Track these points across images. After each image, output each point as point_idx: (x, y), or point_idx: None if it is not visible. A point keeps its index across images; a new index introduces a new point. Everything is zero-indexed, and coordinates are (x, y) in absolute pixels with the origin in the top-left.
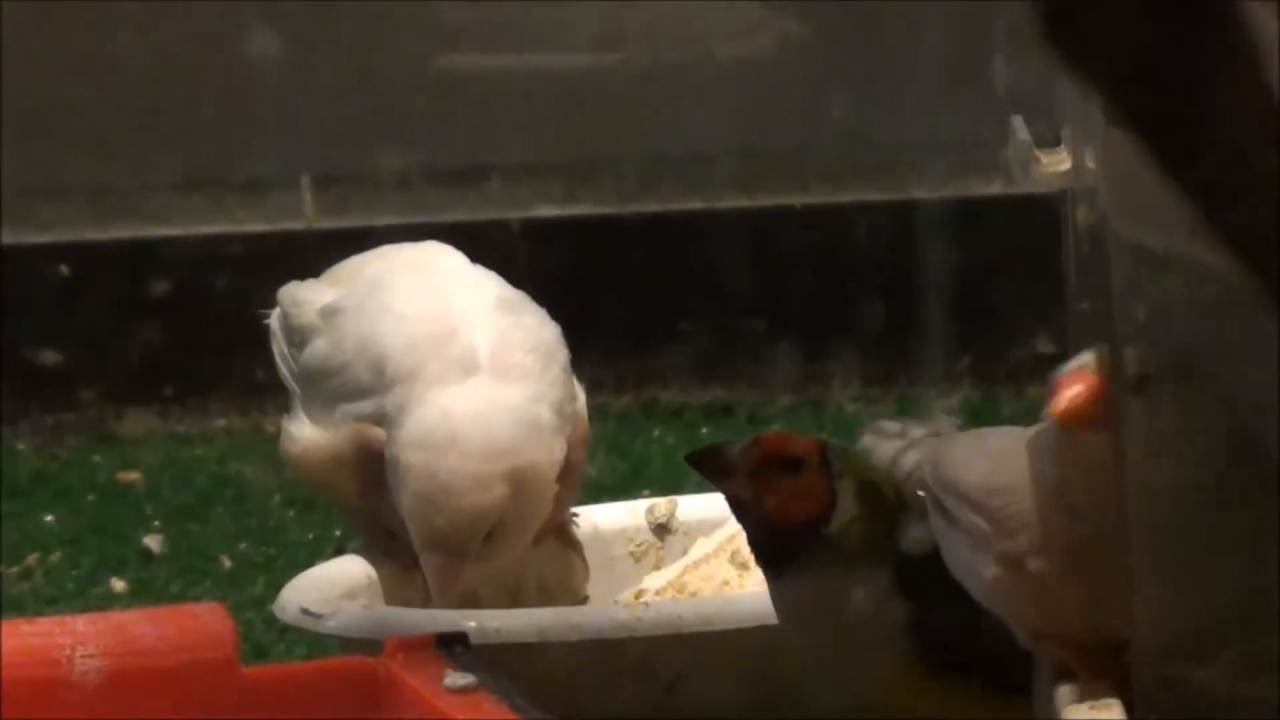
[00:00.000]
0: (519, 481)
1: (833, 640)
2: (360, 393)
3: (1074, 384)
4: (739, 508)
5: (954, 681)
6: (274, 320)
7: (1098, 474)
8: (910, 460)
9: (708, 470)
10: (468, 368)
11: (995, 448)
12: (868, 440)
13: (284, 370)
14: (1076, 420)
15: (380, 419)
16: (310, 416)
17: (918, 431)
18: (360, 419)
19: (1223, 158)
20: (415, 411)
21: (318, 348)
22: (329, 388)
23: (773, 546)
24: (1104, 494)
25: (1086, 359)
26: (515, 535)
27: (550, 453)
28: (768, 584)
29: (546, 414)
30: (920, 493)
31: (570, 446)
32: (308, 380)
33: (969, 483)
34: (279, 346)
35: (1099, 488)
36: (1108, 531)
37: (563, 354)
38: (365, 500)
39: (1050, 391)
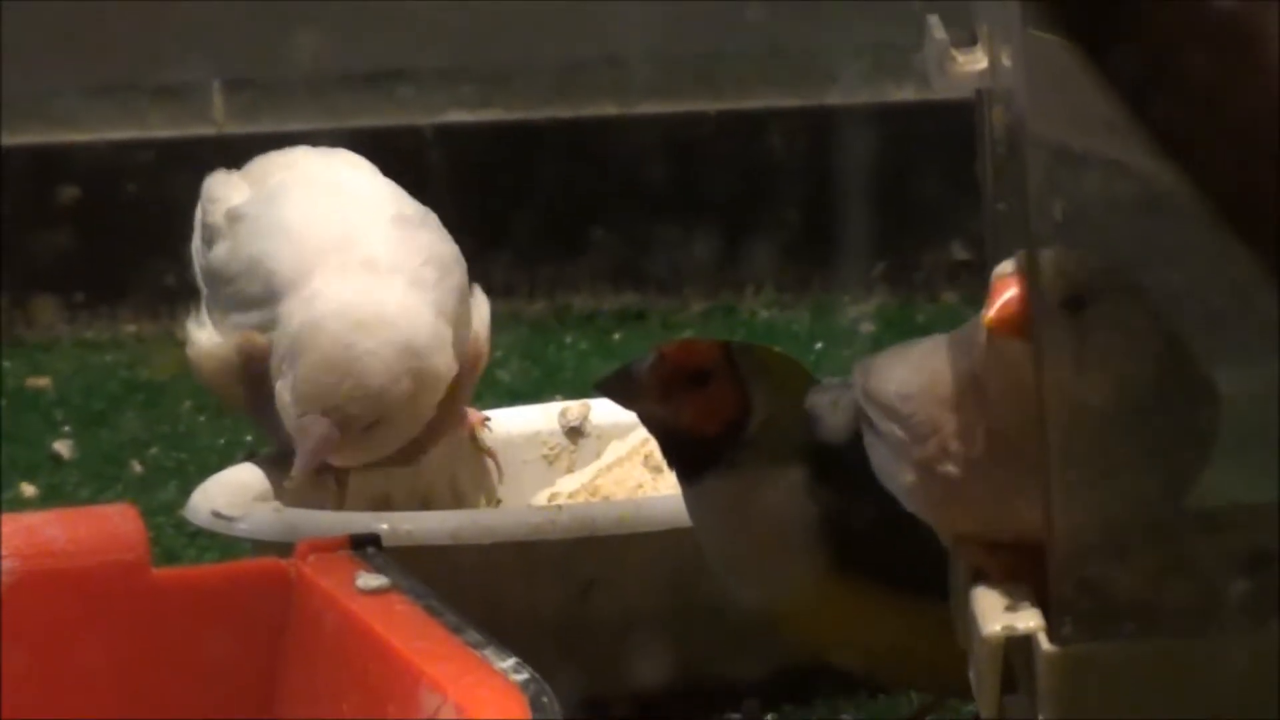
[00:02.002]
0: (418, 382)
1: (754, 543)
2: (249, 304)
3: (1001, 294)
4: (654, 426)
5: (869, 582)
6: (196, 212)
7: (1015, 371)
8: (846, 400)
9: (617, 394)
10: (360, 269)
11: (911, 356)
12: (812, 398)
13: (195, 264)
14: (1009, 328)
15: (268, 328)
16: (212, 319)
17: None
18: (247, 328)
19: (1144, 53)
20: (325, 293)
21: (219, 252)
22: (225, 295)
23: (693, 457)
24: (1021, 391)
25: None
26: (391, 435)
27: (448, 364)
28: (683, 493)
29: (444, 326)
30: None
31: (463, 361)
32: (210, 282)
33: (887, 391)
34: (195, 239)
35: (1016, 385)
36: (1023, 430)
37: (459, 271)
38: (251, 411)
39: (988, 295)
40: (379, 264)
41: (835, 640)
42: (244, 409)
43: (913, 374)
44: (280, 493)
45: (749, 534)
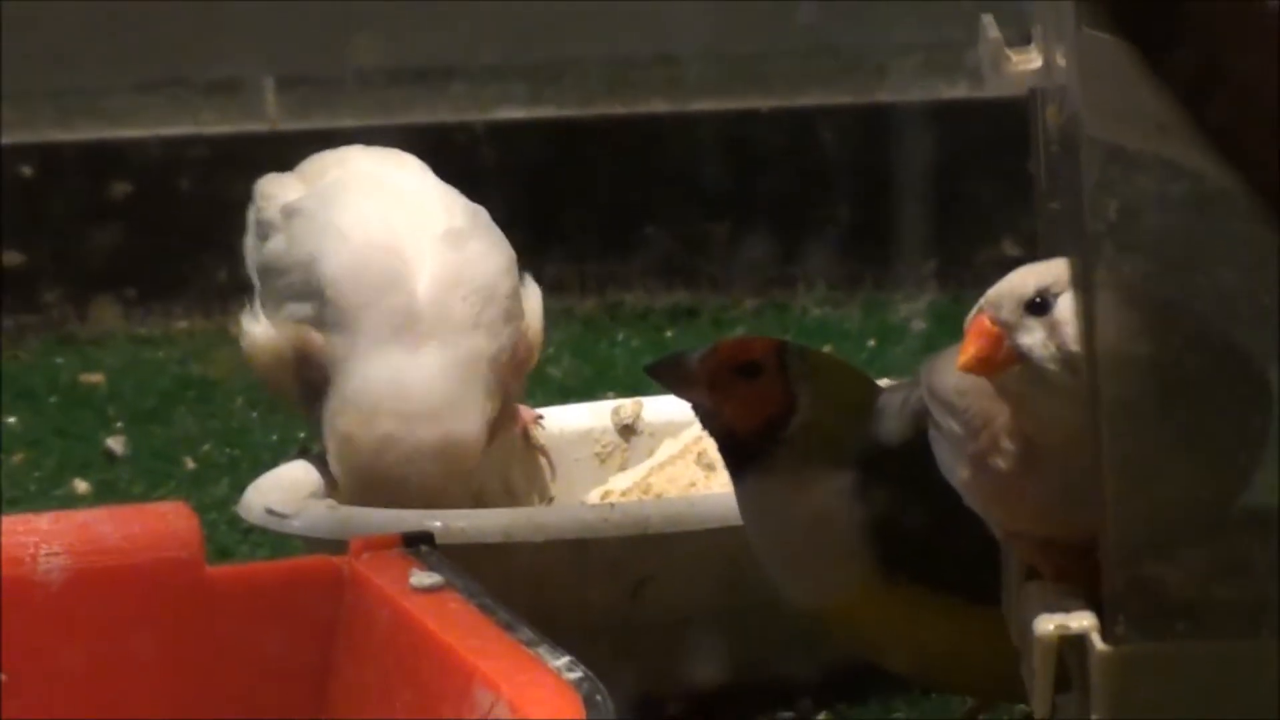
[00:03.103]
0: (450, 449)
1: (796, 544)
2: (302, 296)
3: (971, 338)
4: (702, 415)
5: (918, 585)
6: (250, 212)
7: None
8: (914, 399)
9: (668, 379)
10: (404, 319)
11: None
12: (883, 399)
13: (248, 260)
14: (979, 371)
15: (318, 323)
16: (265, 313)
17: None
18: (299, 320)
19: (1196, 54)
20: (355, 374)
21: (275, 245)
22: (279, 286)
23: (735, 451)
24: (1059, 395)
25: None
26: (441, 495)
27: (481, 418)
28: (734, 486)
29: (482, 369)
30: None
31: (518, 351)
32: (264, 275)
33: (946, 387)
34: (248, 237)
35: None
36: (1069, 432)
37: (508, 282)
38: (304, 407)
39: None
40: (418, 308)
41: (883, 642)
42: (296, 402)
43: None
44: (333, 489)
45: (790, 534)
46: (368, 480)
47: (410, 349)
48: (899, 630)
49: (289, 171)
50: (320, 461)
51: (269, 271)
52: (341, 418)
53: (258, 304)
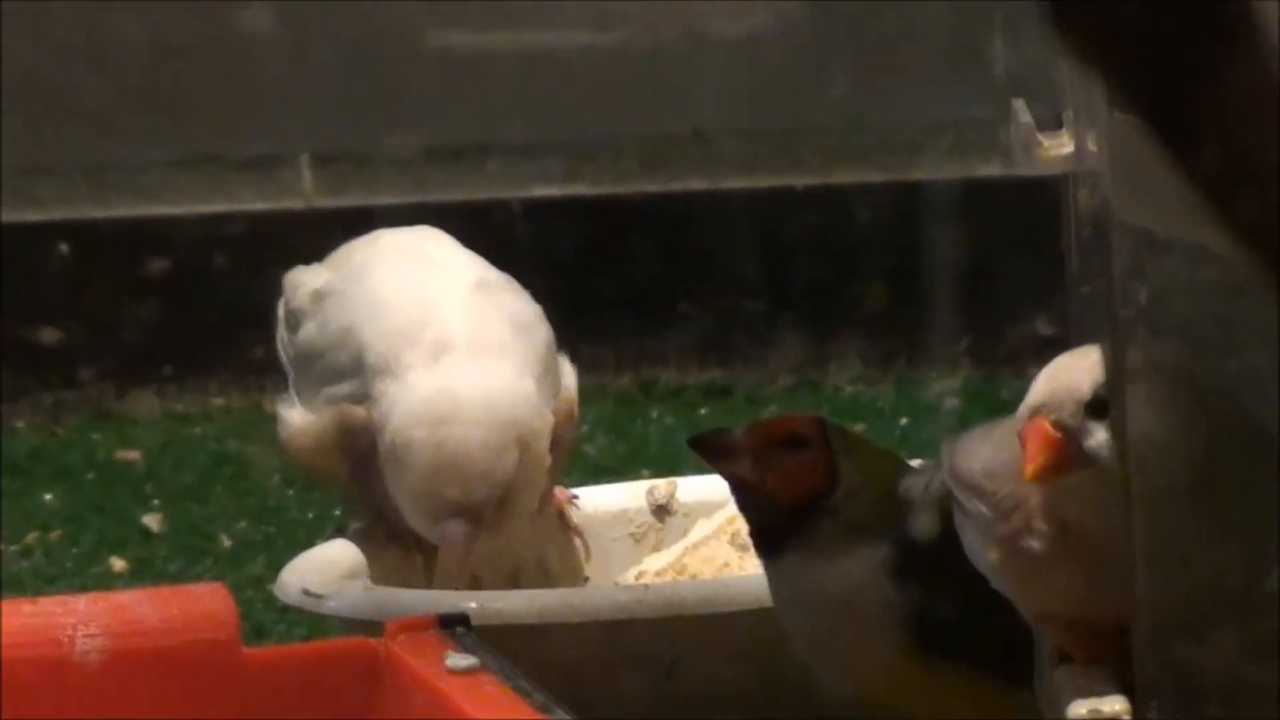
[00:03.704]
0: (523, 447)
1: (833, 621)
2: (341, 375)
3: (1036, 446)
4: (741, 489)
5: (952, 666)
6: (279, 305)
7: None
8: (937, 482)
9: (710, 453)
10: (444, 350)
11: (997, 434)
12: (905, 482)
13: (282, 354)
14: (1049, 479)
15: (361, 399)
16: (301, 400)
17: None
18: (340, 400)
19: (1225, 143)
20: (404, 393)
21: (307, 331)
22: (315, 371)
23: (775, 526)
24: (1098, 477)
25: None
26: (520, 504)
27: (545, 419)
28: (765, 568)
29: (531, 384)
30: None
31: (556, 423)
32: (298, 363)
33: (973, 470)
34: (280, 331)
35: (1093, 473)
36: (1102, 516)
37: (543, 331)
38: (354, 483)
39: (1021, 440)
40: (459, 338)
41: None
42: (341, 482)
43: (996, 451)
44: (375, 565)
45: (826, 612)
46: (439, 485)
47: (452, 368)
48: (935, 712)
49: (318, 263)
50: (359, 540)
51: (303, 359)
52: (400, 435)
53: (293, 393)
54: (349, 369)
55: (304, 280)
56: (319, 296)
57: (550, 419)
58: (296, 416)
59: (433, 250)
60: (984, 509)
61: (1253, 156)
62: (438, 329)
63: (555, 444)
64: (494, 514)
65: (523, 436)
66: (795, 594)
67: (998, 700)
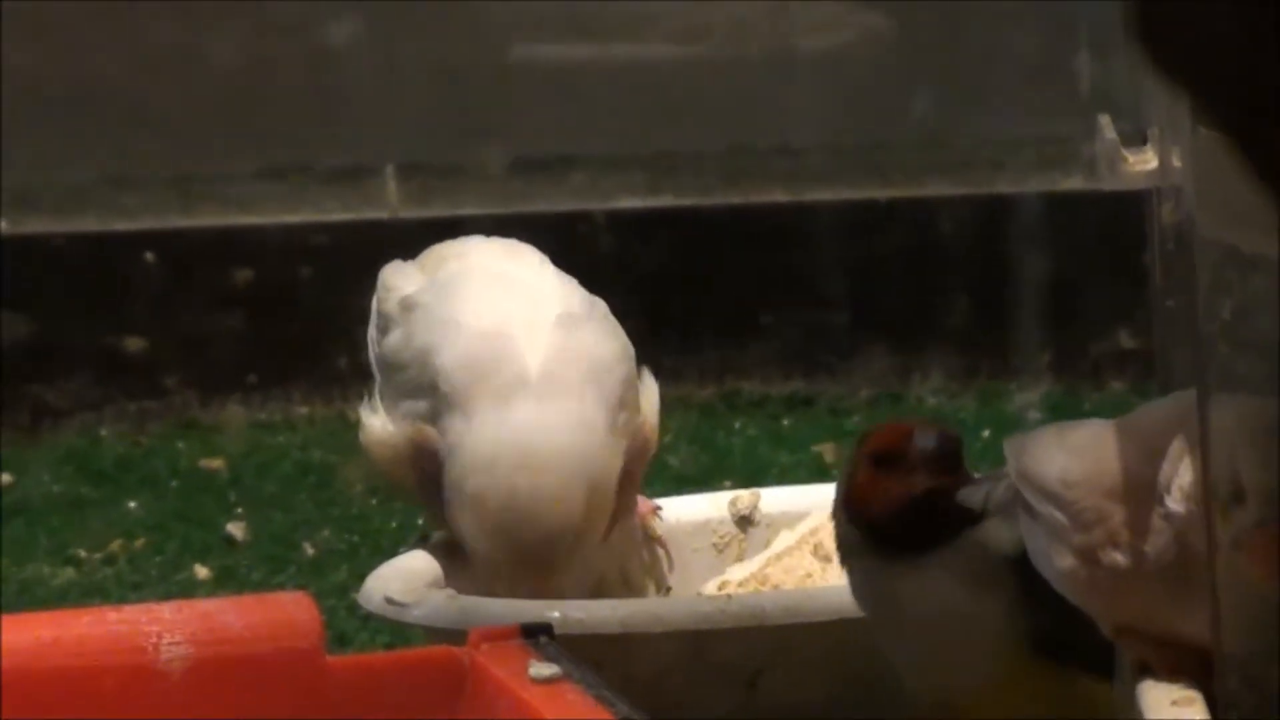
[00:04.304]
0: (591, 490)
1: (958, 623)
2: (418, 392)
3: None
4: (948, 495)
5: (1062, 668)
6: (373, 301)
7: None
8: (999, 492)
9: (942, 465)
10: (516, 389)
11: (1074, 441)
12: (962, 494)
13: (370, 352)
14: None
15: (433, 418)
16: (384, 406)
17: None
18: (417, 417)
19: None
20: (473, 433)
21: (393, 340)
22: (396, 381)
23: (955, 526)
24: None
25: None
26: (587, 542)
27: (615, 460)
28: (875, 577)
29: (602, 425)
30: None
31: (632, 452)
32: (384, 369)
33: (1048, 475)
34: (370, 330)
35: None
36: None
37: (622, 370)
38: (422, 498)
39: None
40: (533, 377)
41: None
42: (415, 494)
43: (1076, 460)
44: (454, 576)
45: (963, 603)
46: (511, 536)
47: (522, 411)
48: (1043, 711)
49: (411, 260)
50: (440, 550)
51: (388, 366)
52: (468, 480)
53: (377, 397)
54: (425, 389)
55: (396, 283)
56: (408, 306)
57: (620, 459)
58: (377, 424)
59: (521, 273)
60: (1060, 516)
61: None
62: (512, 366)
63: (629, 475)
64: (566, 555)
65: (592, 480)
66: (929, 592)
67: (1104, 700)
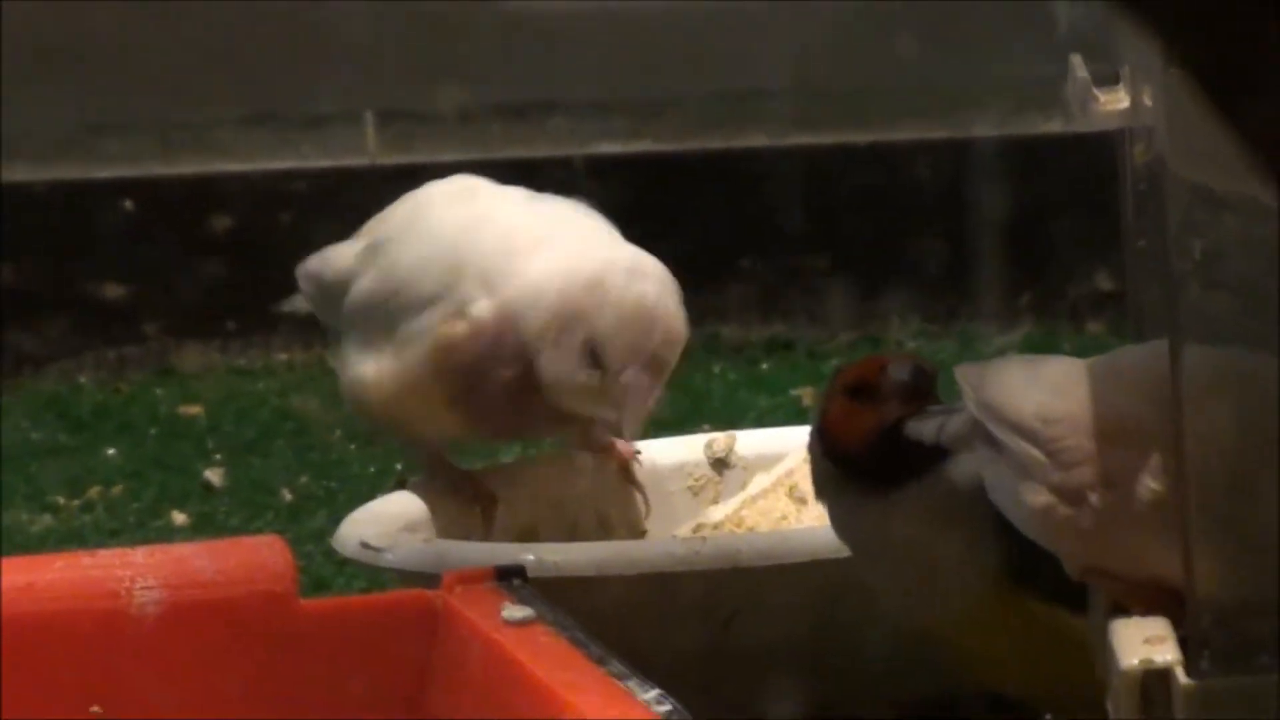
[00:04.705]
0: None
1: (944, 551)
2: (426, 303)
3: None
4: (885, 429)
5: (1037, 597)
6: (300, 302)
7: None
8: (954, 424)
9: (912, 393)
10: (553, 239)
11: (1050, 377)
12: (911, 428)
13: (332, 322)
14: None
15: (456, 315)
16: (372, 351)
17: (960, 405)
18: (431, 329)
19: (1277, 100)
20: (563, 276)
21: (364, 284)
22: (385, 314)
23: (932, 456)
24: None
25: None
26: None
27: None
28: (858, 510)
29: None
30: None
31: None
32: (360, 320)
33: (1023, 411)
34: (320, 309)
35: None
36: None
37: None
38: (454, 407)
39: None
40: (558, 236)
41: (1001, 659)
42: (429, 419)
43: (1056, 398)
44: (439, 515)
45: (943, 534)
46: (639, 334)
47: (585, 246)
48: (1021, 644)
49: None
50: (423, 489)
51: (367, 311)
52: (580, 294)
53: (353, 352)
54: (436, 293)
55: (334, 253)
56: (369, 253)
57: None
58: (372, 366)
59: (473, 185)
60: (1036, 453)
61: None
62: (534, 226)
63: None
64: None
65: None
66: (910, 523)
67: (1078, 636)
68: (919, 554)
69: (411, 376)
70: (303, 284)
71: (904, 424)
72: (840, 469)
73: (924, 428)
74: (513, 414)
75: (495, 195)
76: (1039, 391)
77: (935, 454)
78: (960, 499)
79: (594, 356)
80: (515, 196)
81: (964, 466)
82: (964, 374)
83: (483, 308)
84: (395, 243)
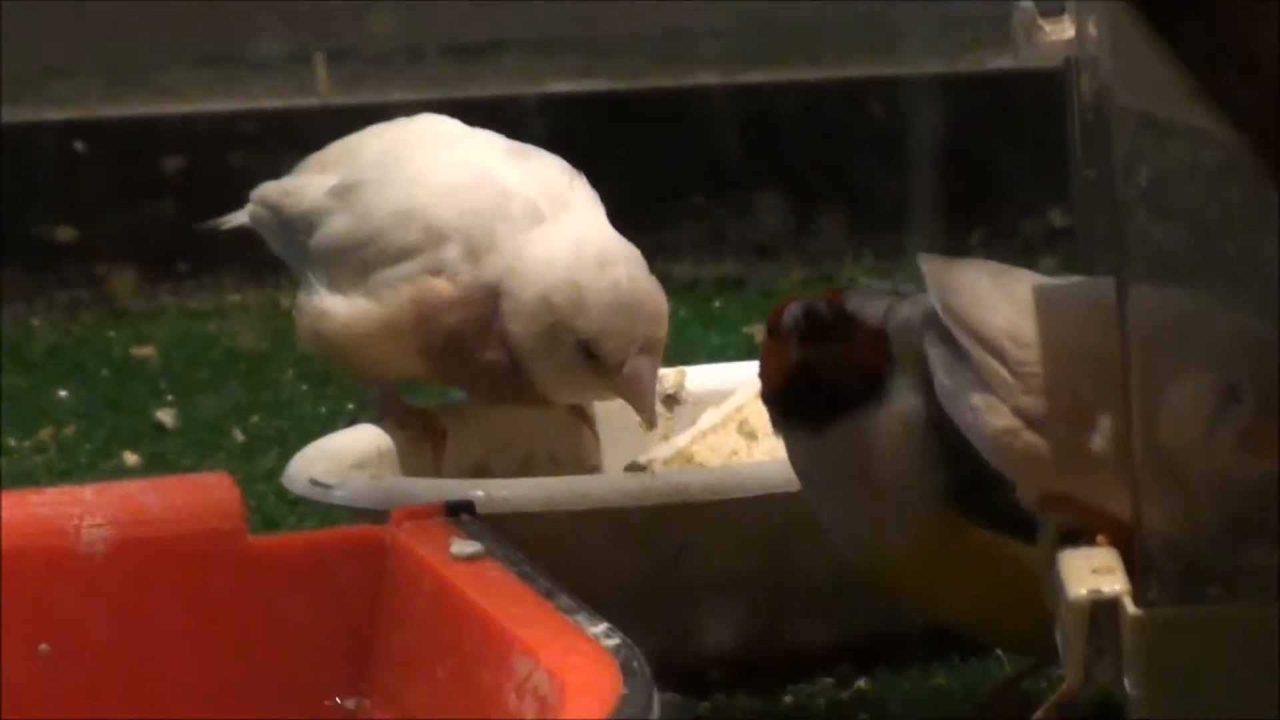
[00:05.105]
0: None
1: (883, 484)
2: (406, 254)
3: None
4: (828, 364)
5: (987, 528)
6: (252, 219)
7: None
8: (904, 311)
9: (805, 334)
10: (538, 216)
11: (1021, 296)
12: (854, 303)
13: (291, 255)
14: None
15: (435, 271)
16: (342, 291)
17: (907, 288)
18: (409, 279)
19: (1219, 26)
20: (536, 250)
21: (337, 224)
22: (359, 259)
23: (844, 397)
24: None
25: None
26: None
27: None
28: (801, 445)
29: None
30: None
31: None
32: (329, 257)
33: (991, 325)
34: (276, 239)
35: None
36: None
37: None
38: (426, 358)
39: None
40: (543, 206)
41: (944, 591)
42: (415, 359)
43: (1025, 319)
44: (404, 451)
45: (882, 471)
46: (628, 322)
47: (564, 227)
48: (966, 576)
49: (288, 176)
50: (369, 429)
51: (339, 252)
52: (561, 286)
53: (321, 288)
54: (416, 246)
55: (298, 185)
56: (343, 190)
57: None
58: (342, 305)
59: (450, 129)
60: (1002, 371)
61: (1246, 39)
62: (520, 201)
63: None
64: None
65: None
66: (846, 461)
67: (1026, 565)
68: (857, 490)
69: (387, 322)
70: (256, 209)
71: (803, 365)
72: (770, 408)
73: (868, 306)
74: (487, 381)
75: (475, 146)
76: (1009, 307)
77: (863, 390)
78: (895, 434)
79: (588, 353)
80: (494, 148)
81: (893, 403)
82: (929, 267)
83: (466, 277)
84: (372, 186)
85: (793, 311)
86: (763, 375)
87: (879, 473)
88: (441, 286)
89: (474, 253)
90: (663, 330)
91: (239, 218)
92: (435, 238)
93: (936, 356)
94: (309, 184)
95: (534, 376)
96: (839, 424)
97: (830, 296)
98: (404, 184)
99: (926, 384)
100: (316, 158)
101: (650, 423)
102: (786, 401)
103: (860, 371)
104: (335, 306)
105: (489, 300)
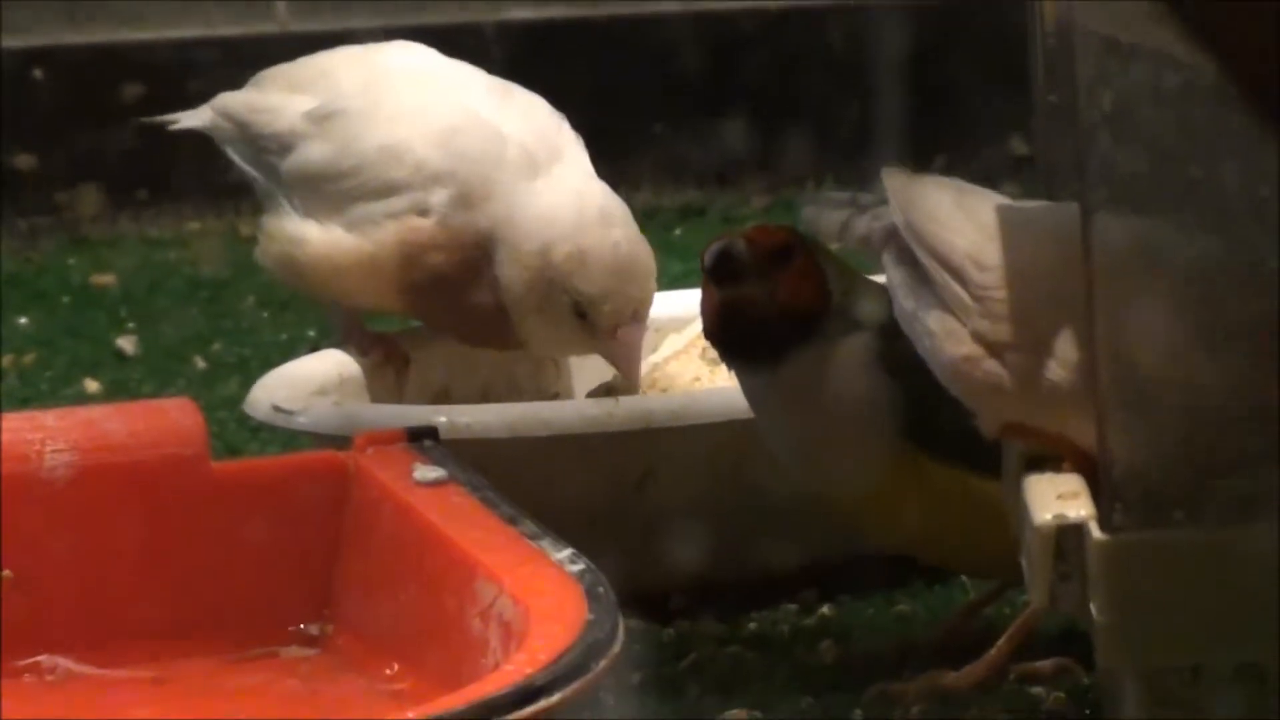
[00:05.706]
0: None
1: (833, 419)
2: (391, 190)
3: None
4: (750, 306)
5: (945, 462)
6: (213, 129)
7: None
8: (863, 225)
9: (725, 277)
10: (535, 165)
11: (984, 219)
12: (809, 212)
13: (257, 172)
14: None
15: (422, 212)
16: (315, 217)
17: (867, 198)
18: (393, 215)
19: None
20: (536, 206)
21: (314, 151)
22: (339, 189)
23: (781, 336)
24: None
25: None
26: None
27: None
28: (754, 383)
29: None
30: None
31: None
32: (306, 184)
33: (954, 246)
34: (240, 153)
35: None
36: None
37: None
38: (405, 296)
39: None
40: (539, 153)
41: (906, 524)
42: (393, 296)
43: (988, 242)
44: (372, 379)
45: (830, 409)
46: (623, 286)
47: (562, 180)
48: (926, 515)
49: (253, 86)
50: (331, 354)
51: (317, 179)
52: (560, 246)
53: (294, 213)
54: (406, 183)
55: (267, 104)
56: (322, 117)
57: None
58: (320, 234)
59: (429, 59)
60: (964, 296)
61: None
62: (515, 148)
63: None
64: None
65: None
66: (792, 400)
67: (988, 495)
68: (809, 429)
69: (369, 257)
70: (218, 120)
71: (725, 305)
72: (713, 345)
73: (823, 218)
74: (467, 325)
75: (460, 83)
76: (973, 229)
77: (786, 331)
78: (842, 372)
79: (581, 313)
80: (477, 85)
81: (842, 340)
82: (892, 182)
83: (457, 221)
84: (355, 117)
85: (712, 252)
86: (702, 313)
87: (829, 411)
88: (429, 227)
89: (467, 198)
90: (651, 293)
91: (191, 120)
92: (425, 178)
93: (896, 277)
94: (282, 105)
95: (520, 327)
96: (781, 363)
97: (754, 234)
98: (392, 118)
99: (884, 312)
100: (281, 74)
101: (634, 389)
102: (721, 341)
103: (788, 312)
104: (311, 234)
105: (479, 246)
